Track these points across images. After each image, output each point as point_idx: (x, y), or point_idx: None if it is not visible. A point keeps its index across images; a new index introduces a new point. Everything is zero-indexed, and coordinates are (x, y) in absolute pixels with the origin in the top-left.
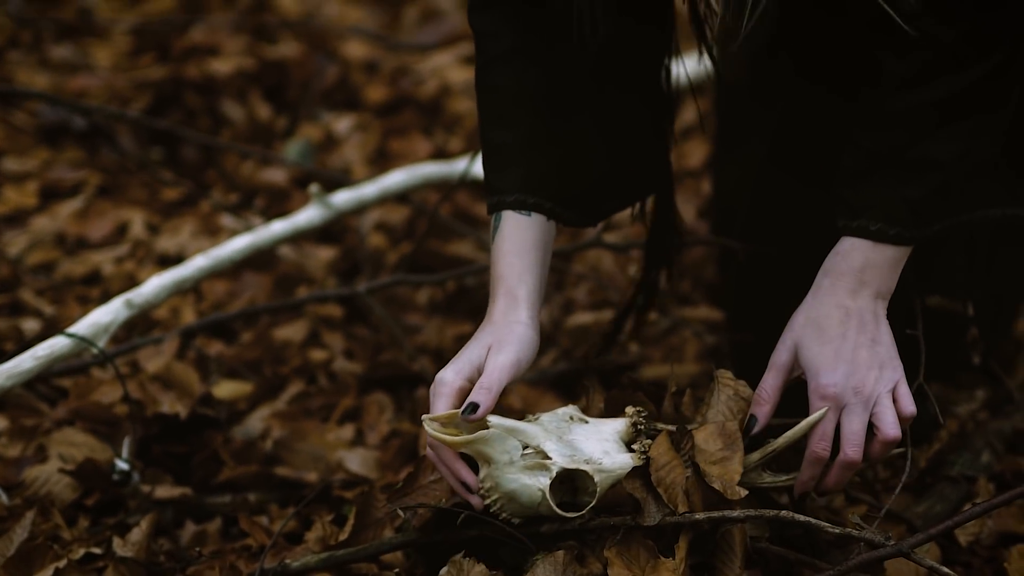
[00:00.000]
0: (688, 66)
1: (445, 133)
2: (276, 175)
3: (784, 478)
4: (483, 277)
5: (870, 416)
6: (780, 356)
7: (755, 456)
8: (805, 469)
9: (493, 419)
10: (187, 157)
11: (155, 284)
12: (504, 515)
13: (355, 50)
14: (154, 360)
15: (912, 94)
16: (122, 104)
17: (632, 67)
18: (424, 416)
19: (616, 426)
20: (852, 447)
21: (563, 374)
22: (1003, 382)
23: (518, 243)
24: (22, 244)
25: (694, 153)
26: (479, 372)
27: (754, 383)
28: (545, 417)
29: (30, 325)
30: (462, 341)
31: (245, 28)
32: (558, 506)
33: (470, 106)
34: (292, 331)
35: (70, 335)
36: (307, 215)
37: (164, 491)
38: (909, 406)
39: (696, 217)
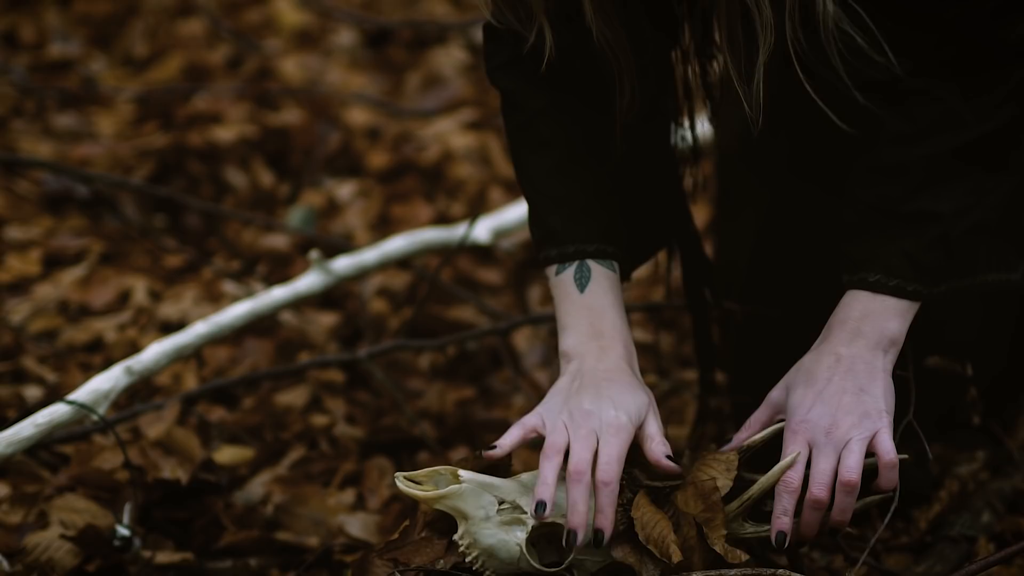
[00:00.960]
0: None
1: (447, 198)
2: (278, 241)
3: (766, 527)
4: (484, 342)
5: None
6: (773, 394)
7: (733, 506)
8: (776, 503)
9: (465, 474)
10: (190, 224)
11: (155, 351)
12: (487, 572)
13: (357, 116)
14: (155, 426)
15: (910, 148)
16: (125, 172)
17: (653, 124)
18: (397, 473)
19: None
20: (817, 486)
21: None
22: (1003, 442)
23: (614, 298)
24: (25, 312)
25: (696, 217)
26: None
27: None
28: (524, 476)
29: (32, 392)
30: (464, 406)
31: (248, 96)
32: (548, 565)
33: (471, 171)
34: (294, 396)
35: (70, 402)
36: (307, 281)
37: (165, 556)
38: (888, 454)
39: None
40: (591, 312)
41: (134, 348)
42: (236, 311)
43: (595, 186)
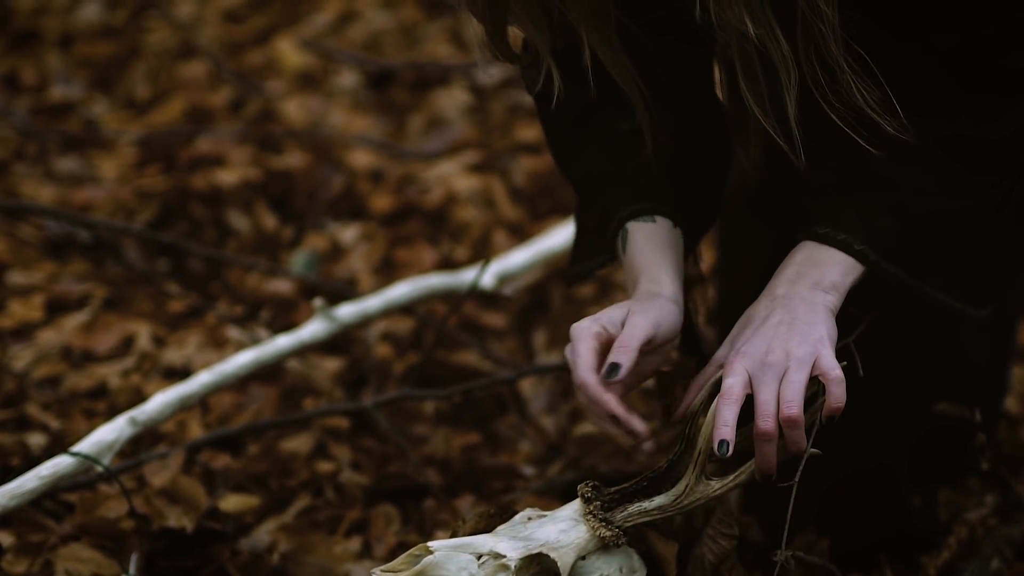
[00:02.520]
0: None
1: (451, 242)
2: (282, 286)
3: (731, 477)
4: (492, 390)
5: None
6: (719, 351)
7: (692, 471)
8: (717, 415)
9: (435, 544)
10: (193, 268)
11: (159, 401)
12: None
13: (360, 159)
14: (160, 474)
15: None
16: (128, 216)
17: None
18: (372, 570)
19: (572, 507)
20: (763, 419)
21: (572, 483)
22: (1012, 487)
23: (651, 242)
24: (28, 358)
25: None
26: (615, 329)
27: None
28: (499, 527)
29: (36, 440)
30: (469, 452)
31: (251, 138)
32: None
33: (475, 214)
34: (299, 443)
35: (74, 454)
36: (311, 329)
37: None
38: (832, 371)
39: (705, 323)
40: (631, 268)
41: (138, 394)
42: (240, 360)
43: (631, 160)
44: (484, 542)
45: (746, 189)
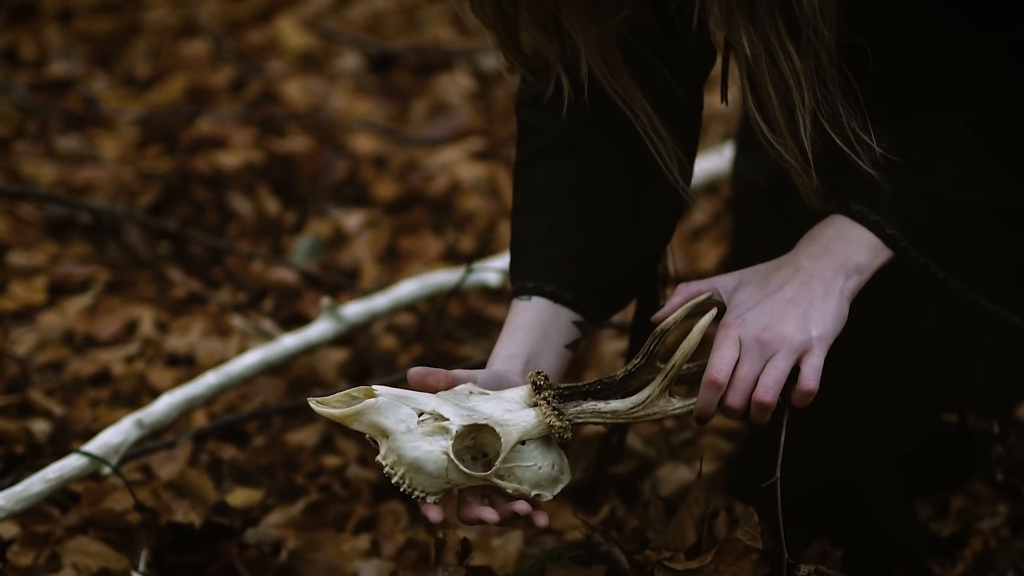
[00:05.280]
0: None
1: (456, 231)
2: (286, 274)
3: (693, 400)
4: None
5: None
6: (724, 279)
7: (659, 382)
8: (701, 392)
9: (380, 389)
10: (195, 252)
11: (166, 403)
12: (416, 493)
13: (363, 144)
14: (167, 466)
15: (945, 113)
16: (130, 197)
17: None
18: (309, 398)
19: (518, 391)
20: (734, 393)
21: (578, 483)
22: None
23: (510, 325)
24: (31, 342)
25: (707, 255)
26: None
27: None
28: (442, 392)
29: (40, 427)
30: None
31: (252, 120)
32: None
33: (480, 204)
34: (304, 435)
35: (82, 453)
36: (319, 329)
37: None
38: (808, 381)
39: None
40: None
41: (142, 382)
42: (247, 360)
43: (553, 225)
44: (428, 401)
45: (764, 189)
